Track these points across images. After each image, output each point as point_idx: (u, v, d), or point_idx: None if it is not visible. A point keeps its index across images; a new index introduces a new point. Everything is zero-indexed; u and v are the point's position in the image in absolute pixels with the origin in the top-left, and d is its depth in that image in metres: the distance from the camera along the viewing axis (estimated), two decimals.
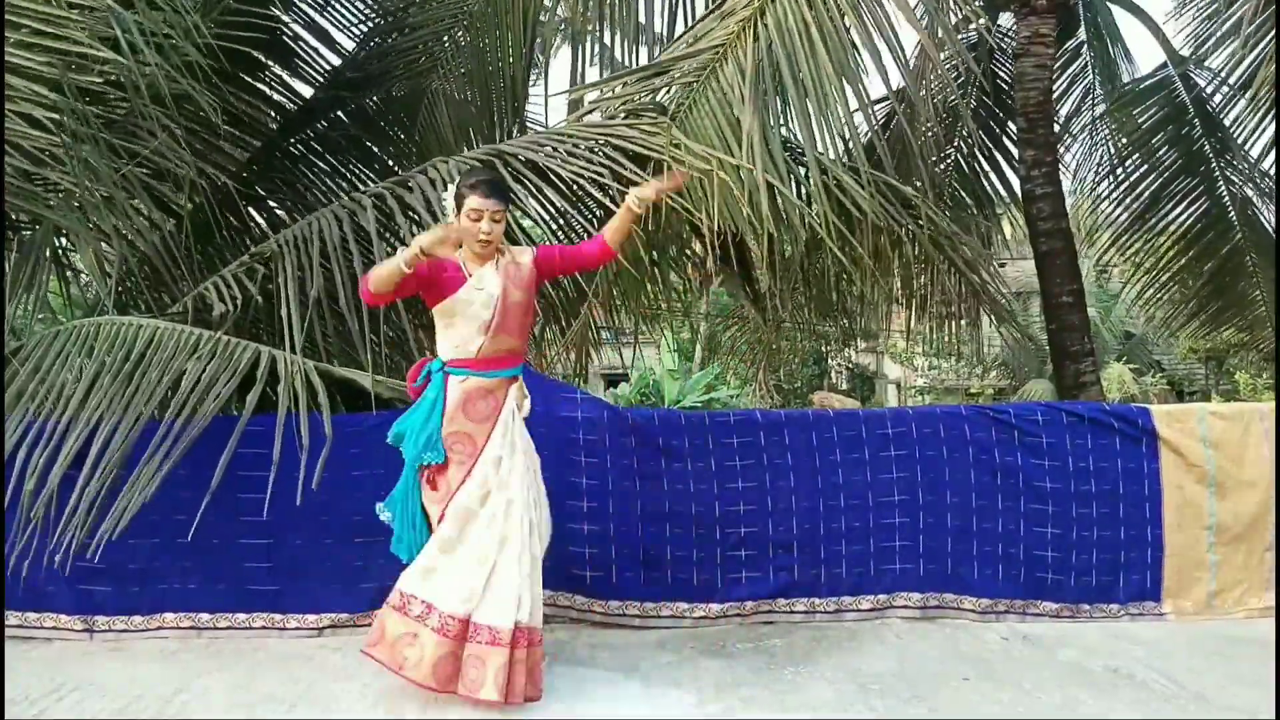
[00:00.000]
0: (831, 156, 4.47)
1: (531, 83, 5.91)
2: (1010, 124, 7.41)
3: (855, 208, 4.18)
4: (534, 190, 4.52)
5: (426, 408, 3.20)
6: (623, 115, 4.46)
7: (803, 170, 4.58)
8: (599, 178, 4.18)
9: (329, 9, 5.78)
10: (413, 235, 3.68)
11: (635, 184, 3.66)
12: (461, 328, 3.21)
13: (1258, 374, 15.19)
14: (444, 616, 3.04)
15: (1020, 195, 6.93)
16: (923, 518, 4.11)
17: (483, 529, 3.12)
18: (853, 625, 3.99)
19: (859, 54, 4.20)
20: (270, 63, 5.63)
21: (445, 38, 5.70)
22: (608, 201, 4.36)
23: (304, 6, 5.70)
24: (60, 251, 5.05)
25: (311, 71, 5.79)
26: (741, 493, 4.07)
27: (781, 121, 4.40)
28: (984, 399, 17.89)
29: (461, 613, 3.03)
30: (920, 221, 4.87)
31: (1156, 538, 4.15)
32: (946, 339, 6.59)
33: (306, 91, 5.83)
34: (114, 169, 4.02)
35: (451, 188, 3.30)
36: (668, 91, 4.49)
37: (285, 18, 5.63)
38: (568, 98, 5.57)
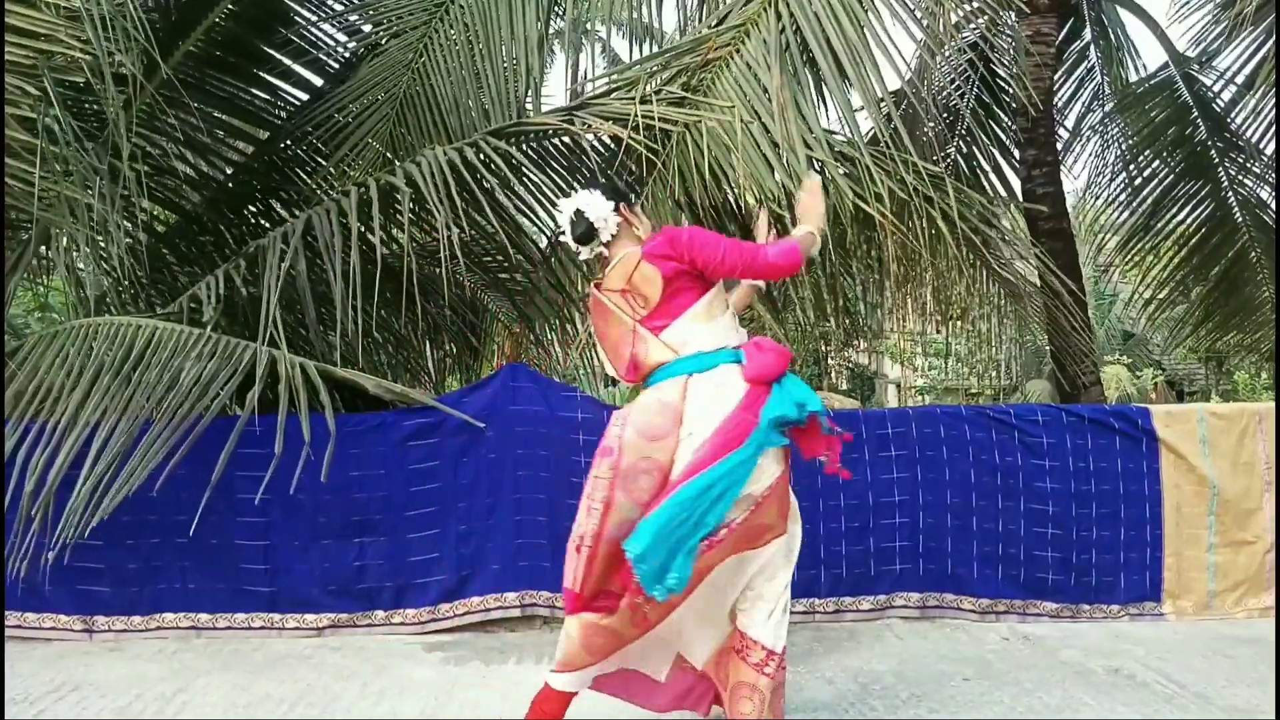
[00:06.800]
0: (864, 128, 4.40)
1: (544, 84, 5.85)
2: (1011, 123, 7.40)
3: (910, 188, 4.05)
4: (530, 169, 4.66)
5: None
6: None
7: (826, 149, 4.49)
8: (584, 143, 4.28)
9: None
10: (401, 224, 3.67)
11: (613, 149, 3.60)
12: None
13: (1256, 374, 15.20)
14: None
15: (1020, 195, 6.92)
16: (923, 518, 4.10)
17: None
18: (852, 625, 3.99)
19: (883, 24, 4.15)
20: (278, 55, 5.57)
21: (440, 32, 5.62)
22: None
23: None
24: (53, 250, 5.03)
25: (322, 58, 5.72)
26: None
27: (807, 96, 4.31)
28: (983, 399, 17.88)
29: None
30: (957, 200, 4.57)
31: (1156, 538, 4.15)
32: (962, 336, 6.42)
33: (308, 87, 5.78)
34: (99, 165, 3.98)
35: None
36: (686, 76, 4.46)
37: (297, 7, 5.55)
38: (576, 89, 5.54)
